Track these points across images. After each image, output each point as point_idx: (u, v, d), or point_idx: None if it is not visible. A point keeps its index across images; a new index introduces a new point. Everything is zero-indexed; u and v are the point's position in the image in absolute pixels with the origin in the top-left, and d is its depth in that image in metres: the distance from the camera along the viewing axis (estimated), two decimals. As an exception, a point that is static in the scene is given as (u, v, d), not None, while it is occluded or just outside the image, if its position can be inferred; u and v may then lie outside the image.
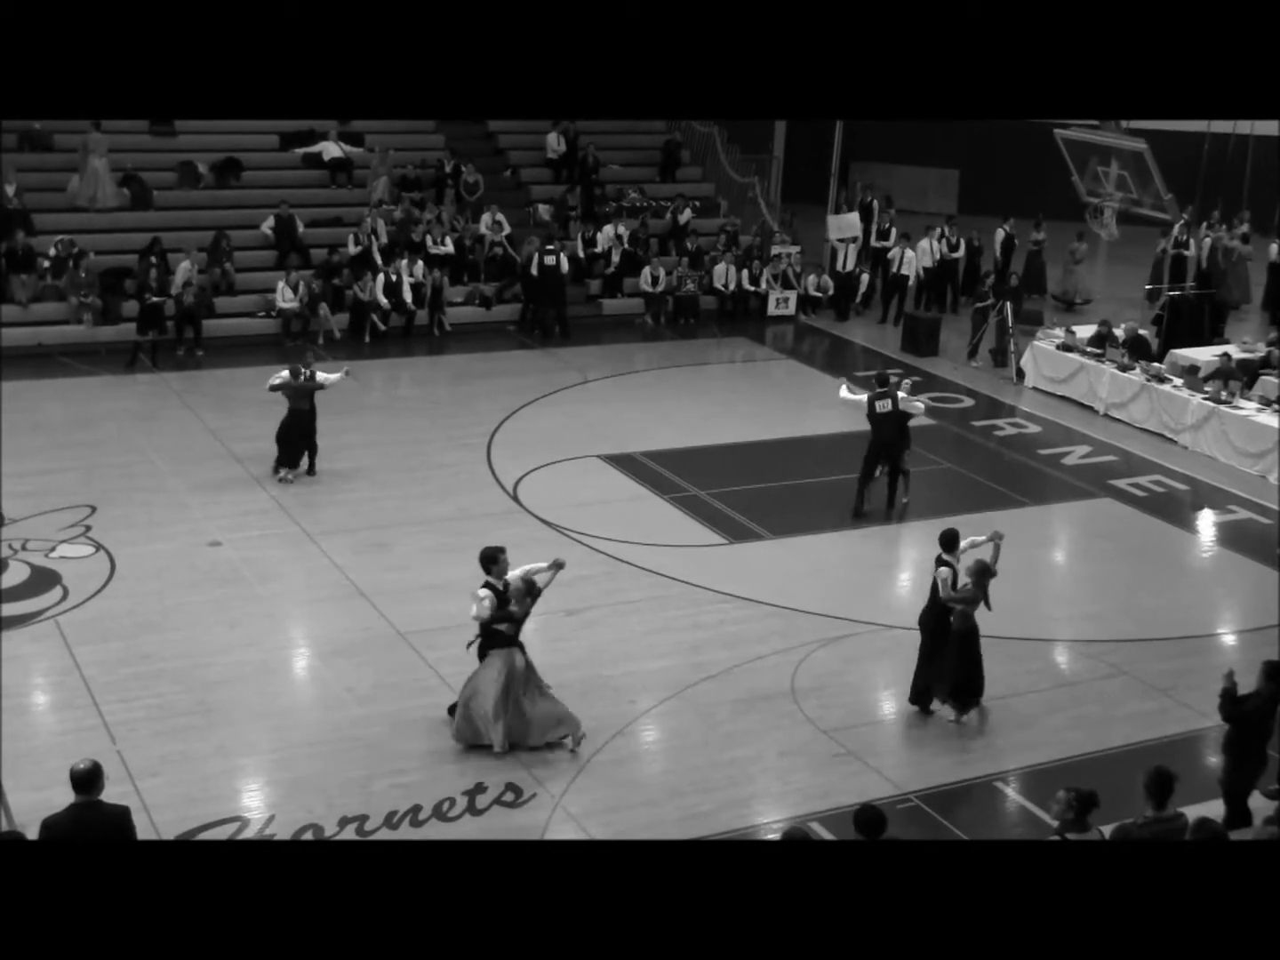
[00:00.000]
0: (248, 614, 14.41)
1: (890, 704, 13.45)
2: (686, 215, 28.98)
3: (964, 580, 12.80)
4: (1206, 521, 18.56)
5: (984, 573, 12.66)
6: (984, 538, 13.29)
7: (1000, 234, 29.07)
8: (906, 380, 19.34)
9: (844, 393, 18.81)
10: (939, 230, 28.10)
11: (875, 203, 29.68)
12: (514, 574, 12.26)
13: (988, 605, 12.73)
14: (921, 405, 18.40)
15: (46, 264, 23.63)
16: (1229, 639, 15.24)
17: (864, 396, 18.05)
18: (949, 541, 12.92)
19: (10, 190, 24.28)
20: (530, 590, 12.16)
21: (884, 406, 17.61)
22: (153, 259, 23.35)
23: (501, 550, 12.43)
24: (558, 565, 12.46)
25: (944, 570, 12.73)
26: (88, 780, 8.48)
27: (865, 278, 28.27)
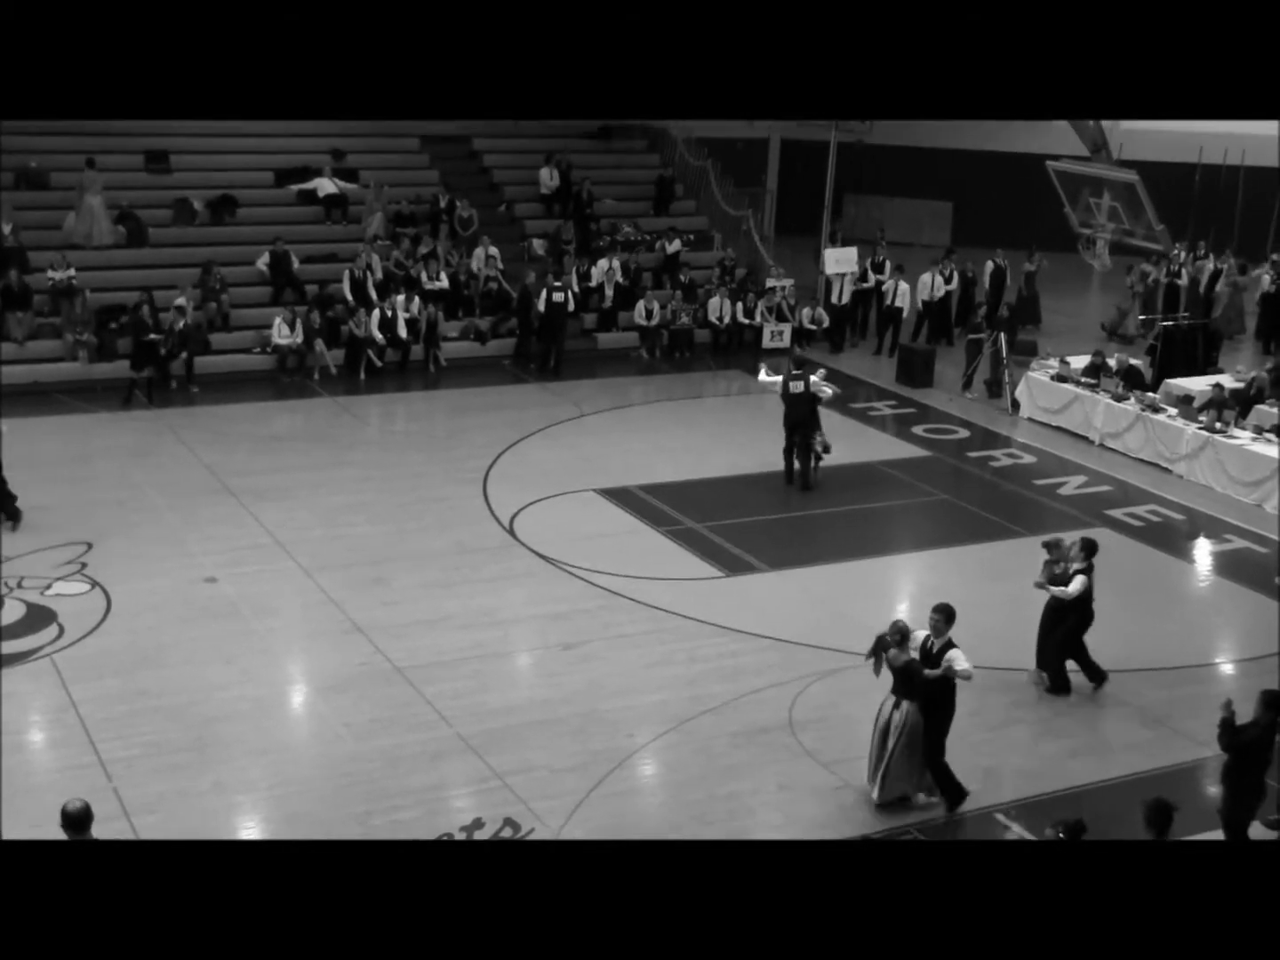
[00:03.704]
0: (244, 650, 14.38)
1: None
2: (675, 246, 29.06)
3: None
4: (1203, 551, 18.57)
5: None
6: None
7: (989, 265, 29.18)
8: (821, 369, 20.53)
9: (762, 375, 20.33)
10: (944, 266, 28.20)
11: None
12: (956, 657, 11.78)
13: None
14: (830, 391, 19.80)
15: (50, 278, 23.72)
16: (1227, 668, 15.23)
17: (780, 378, 19.55)
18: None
19: (6, 228, 24.34)
20: (909, 661, 11.78)
21: (796, 387, 19.32)
22: (146, 303, 23.26)
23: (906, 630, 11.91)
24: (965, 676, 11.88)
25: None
26: (82, 820, 8.46)
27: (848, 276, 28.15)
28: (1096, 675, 14.29)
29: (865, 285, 28.34)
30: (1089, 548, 14.09)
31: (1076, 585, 13.87)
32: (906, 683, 11.85)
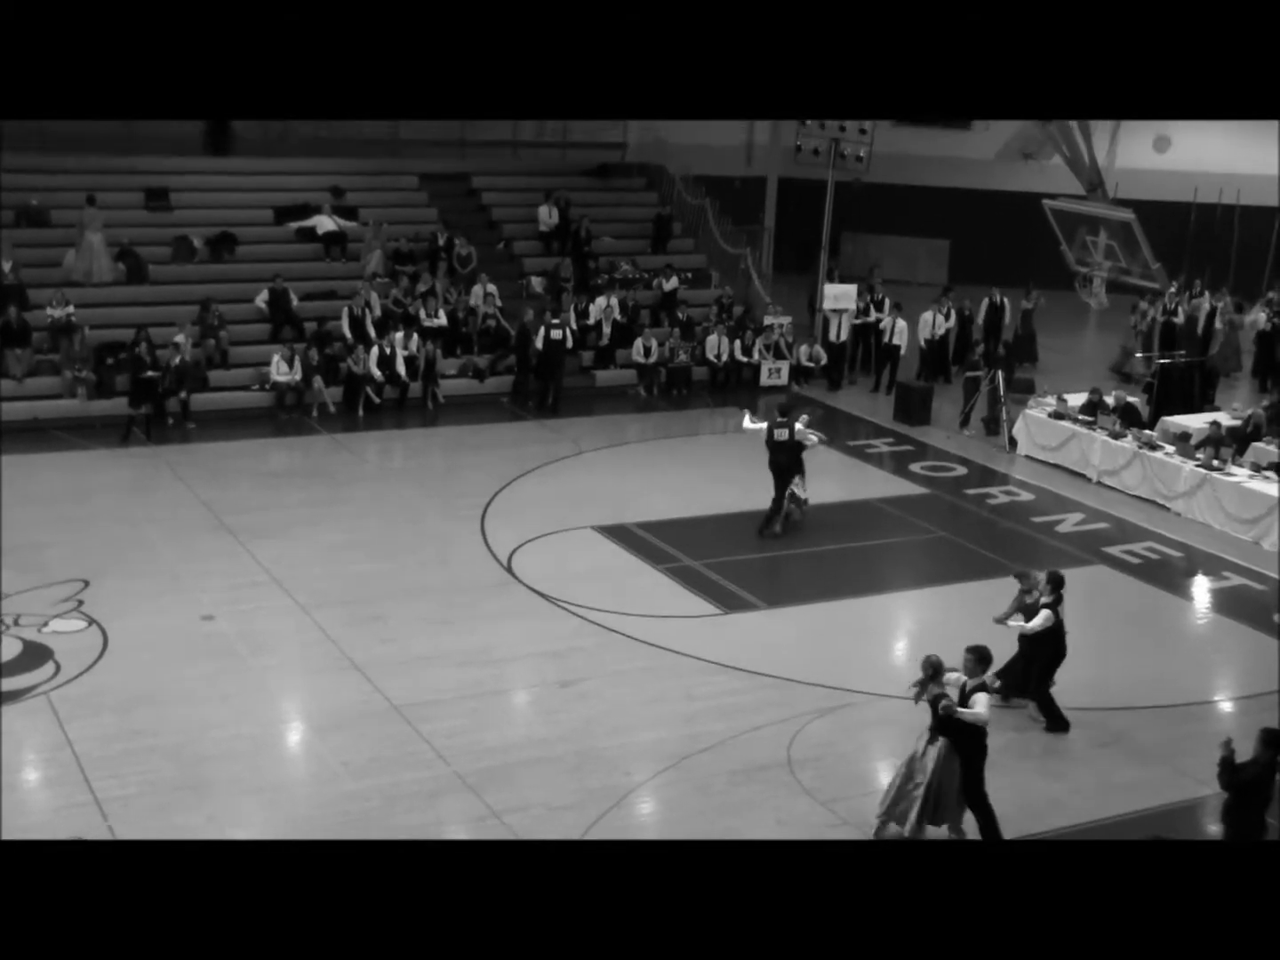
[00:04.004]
0: (241, 688, 14.34)
1: (888, 773, 13.38)
2: (672, 283, 29.15)
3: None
4: (1201, 588, 18.56)
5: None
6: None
7: (985, 303, 29.27)
8: (805, 415, 20.06)
9: (746, 422, 19.85)
10: (942, 304, 28.24)
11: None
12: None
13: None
14: (815, 438, 19.55)
15: (49, 315, 23.80)
16: (1226, 706, 15.20)
17: (764, 424, 19.22)
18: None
19: (6, 265, 24.41)
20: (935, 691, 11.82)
21: (781, 435, 19.04)
22: (144, 340, 23.31)
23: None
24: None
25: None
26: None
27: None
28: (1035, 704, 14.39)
29: (867, 320, 28.44)
30: (1055, 582, 14.20)
31: (1039, 620, 13.95)
32: (936, 718, 11.85)
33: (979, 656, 11.88)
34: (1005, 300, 29.36)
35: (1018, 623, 14.17)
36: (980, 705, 11.68)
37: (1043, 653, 14.12)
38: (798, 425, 19.17)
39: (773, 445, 19.10)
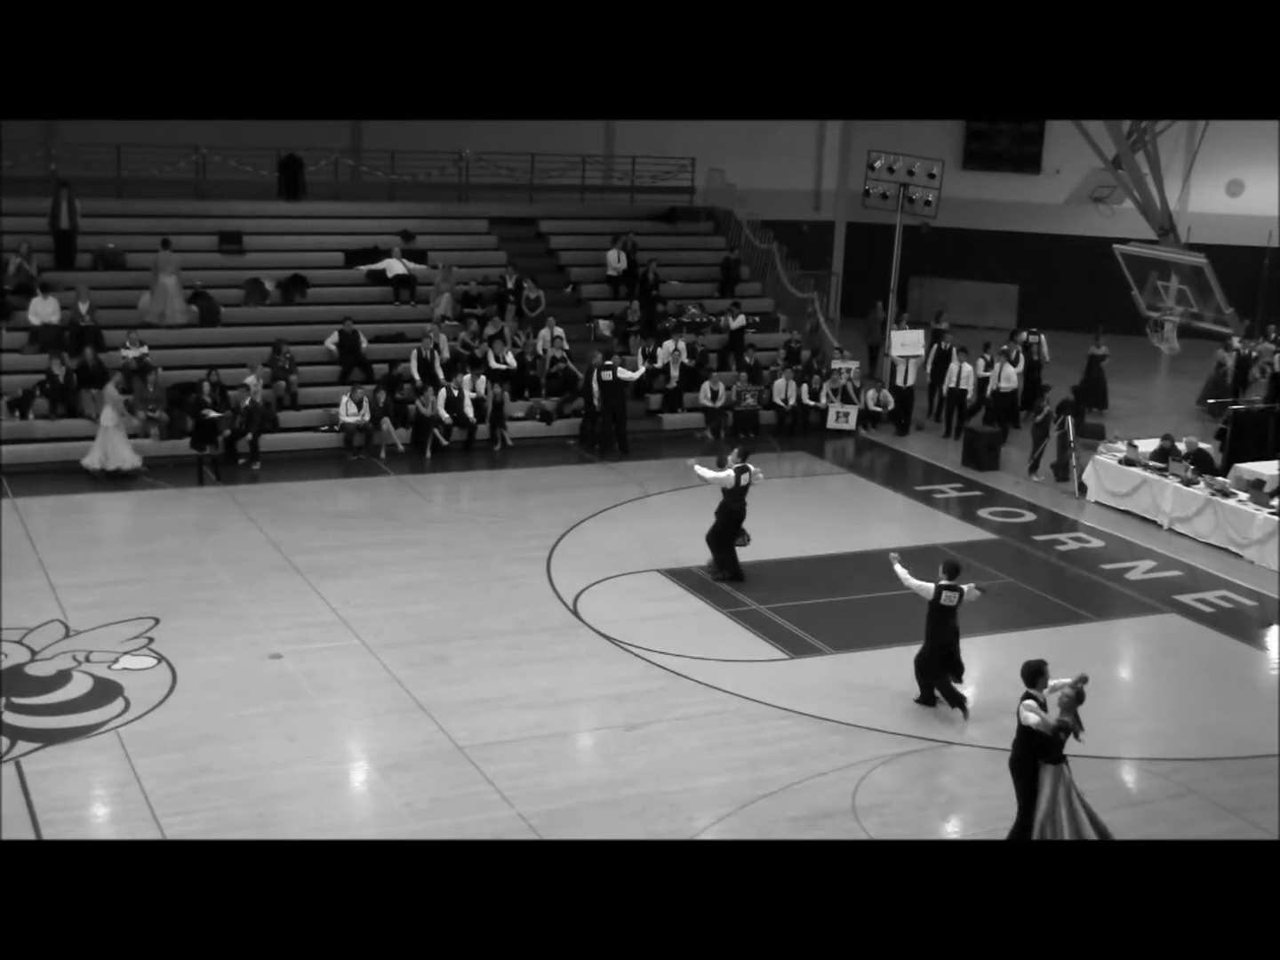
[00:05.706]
0: (306, 727, 14.41)
1: (954, 821, 13.24)
2: (739, 322, 29.16)
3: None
4: (1275, 637, 18.28)
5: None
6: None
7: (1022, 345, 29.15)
8: (736, 450, 19.66)
9: (706, 472, 19.22)
10: (1010, 349, 28.02)
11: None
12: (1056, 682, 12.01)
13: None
14: (761, 475, 19.33)
15: (123, 356, 24.12)
16: (1301, 758, 14.93)
17: (729, 473, 18.79)
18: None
19: (83, 308, 24.81)
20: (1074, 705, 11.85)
21: (745, 479, 18.82)
22: (208, 381, 23.58)
23: (1044, 663, 12.12)
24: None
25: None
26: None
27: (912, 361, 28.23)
28: (929, 698, 15.39)
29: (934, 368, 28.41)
30: (949, 566, 15.30)
31: (915, 581, 15.25)
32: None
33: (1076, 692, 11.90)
34: (1038, 339, 29.23)
35: (902, 571, 15.45)
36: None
37: (931, 635, 15.21)
38: (753, 467, 18.97)
39: (739, 491, 18.76)
